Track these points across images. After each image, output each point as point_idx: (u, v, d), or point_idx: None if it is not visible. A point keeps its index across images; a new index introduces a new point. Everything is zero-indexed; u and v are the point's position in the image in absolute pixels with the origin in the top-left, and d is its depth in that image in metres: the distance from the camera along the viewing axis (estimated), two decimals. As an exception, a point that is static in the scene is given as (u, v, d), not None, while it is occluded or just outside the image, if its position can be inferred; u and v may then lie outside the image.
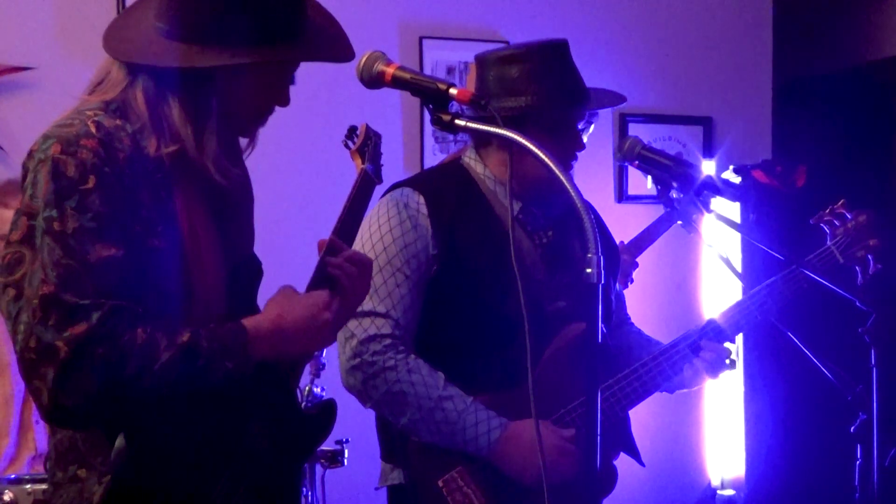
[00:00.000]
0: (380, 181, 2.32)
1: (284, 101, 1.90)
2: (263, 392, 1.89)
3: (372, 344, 2.36)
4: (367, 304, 2.33)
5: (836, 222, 2.67)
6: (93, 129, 1.75)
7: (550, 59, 2.46)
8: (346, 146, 2.35)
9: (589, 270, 1.57)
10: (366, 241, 2.44)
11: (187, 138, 1.79)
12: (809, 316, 2.75)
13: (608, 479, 2.50)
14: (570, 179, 1.62)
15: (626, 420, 2.57)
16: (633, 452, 2.60)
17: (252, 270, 2.02)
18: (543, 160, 1.64)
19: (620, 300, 2.82)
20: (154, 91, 1.79)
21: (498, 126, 1.70)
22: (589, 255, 1.57)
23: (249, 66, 1.80)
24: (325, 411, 2.04)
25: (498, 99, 2.42)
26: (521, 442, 2.36)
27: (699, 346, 2.54)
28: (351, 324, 2.36)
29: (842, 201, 2.69)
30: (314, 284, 1.94)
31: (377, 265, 2.37)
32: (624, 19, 4.69)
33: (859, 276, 2.63)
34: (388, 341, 2.37)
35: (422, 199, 2.45)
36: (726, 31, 4.90)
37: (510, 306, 2.29)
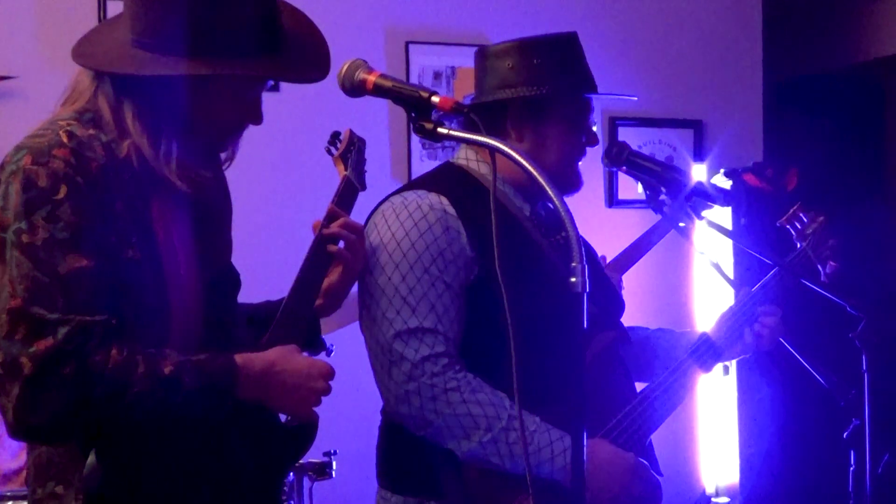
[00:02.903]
0: (363, 188, 2.30)
1: (255, 118, 1.89)
2: (245, 405, 1.87)
3: (427, 365, 2.18)
4: (410, 321, 2.20)
5: (798, 224, 2.71)
6: (65, 139, 1.74)
7: (570, 50, 2.46)
8: (329, 152, 2.33)
9: (573, 280, 1.55)
10: (392, 251, 2.25)
11: (143, 146, 1.78)
12: (801, 321, 2.76)
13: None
14: (555, 188, 1.62)
15: (650, 447, 2.48)
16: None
17: (230, 282, 2.01)
18: (525, 167, 1.64)
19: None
20: (113, 98, 1.79)
21: (480, 133, 1.69)
22: (573, 265, 1.56)
23: (209, 78, 1.79)
24: (307, 424, 2.03)
25: (515, 88, 2.38)
26: (597, 461, 2.21)
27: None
28: (397, 345, 2.20)
29: (797, 204, 2.73)
30: (312, 259, 1.97)
31: (413, 276, 2.23)
32: (612, 22, 4.70)
33: (822, 274, 2.66)
34: (444, 361, 2.19)
35: (445, 200, 2.29)
36: (716, 32, 4.91)
37: (549, 313, 2.18)
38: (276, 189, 4.12)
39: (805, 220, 2.70)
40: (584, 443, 1.61)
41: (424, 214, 2.27)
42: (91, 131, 1.78)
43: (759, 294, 2.57)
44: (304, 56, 1.89)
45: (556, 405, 2.24)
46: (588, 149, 2.49)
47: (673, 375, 2.44)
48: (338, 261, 2.13)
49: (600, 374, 2.35)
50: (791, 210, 2.72)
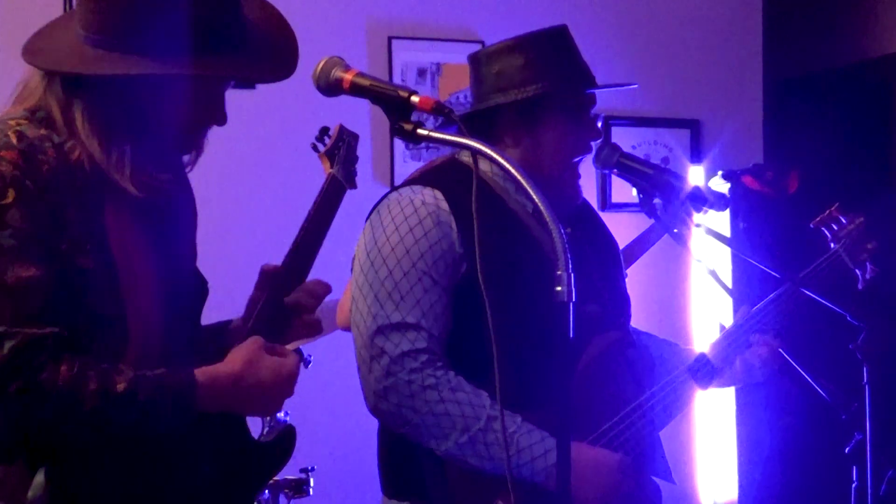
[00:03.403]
0: (352, 186, 2.28)
1: (218, 119, 1.87)
2: (211, 421, 1.87)
3: (407, 361, 2.22)
4: (393, 315, 2.25)
5: (835, 226, 2.68)
6: (13, 140, 1.72)
7: (557, 45, 2.46)
8: (315, 149, 2.31)
9: (559, 289, 1.56)
10: (381, 245, 2.31)
11: (94, 150, 1.76)
12: (801, 331, 2.76)
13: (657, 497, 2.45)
14: (538, 190, 1.62)
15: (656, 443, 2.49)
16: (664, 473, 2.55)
17: (194, 290, 2.00)
18: (508, 170, 1.64)
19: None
20: (63, 98, 1.78)
21: (463, 136, 1.70)
22: (559, 273, 1.56)
23: (163, 78, 1.77)
24: (283, 439, 2.02)
25: (505, 93, 2.39)
26: (581, 464, 2.23)
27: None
28: (377, 340, 2.24)
29: (836, 205, 2.70)
30: (263, 319, 1.95)
31: (400, 270, 2.27)
32: (605, 15, 4.71)
33: (860, 280, 2.63)
34: (424, 357, 2.23)
35: (439, 194, 2.33)
36: (714, 28, 4.92)
37: (543, 312, 2.23)
38: (252, 191, 4.12)
39: (844, 221, 2.68)
40: (569, 451, 1.62)
41: (416, 209, 2.32)
42: (43, 131, 1.76)
43: (756, 317, 2.53)
44: (268, 52, 1.87)
45: (546, 407, 2.26)
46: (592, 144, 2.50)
47: (670, 386, 2.45)
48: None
49: (598, 377, 2.36)
50: (827, 211, 2.70)
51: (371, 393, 2.27)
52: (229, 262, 3.56)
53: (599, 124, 2.51)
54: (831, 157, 4.61)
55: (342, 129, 2.33)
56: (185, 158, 1.96)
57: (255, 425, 2.59)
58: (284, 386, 1.88)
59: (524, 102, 2.39)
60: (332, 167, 2.25)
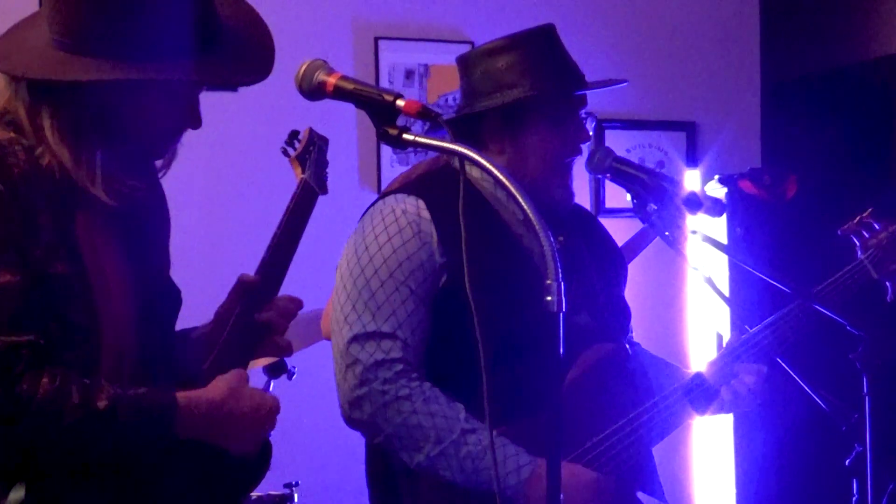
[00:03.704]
0: (323, 191, 2.30)
1: (192, 122, 1.87)
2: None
3: (381, 370, 2.26)
4: (369, 325, 2.29)
5: (866, 233, 2.63)
6: None
7: (541, 45, 2.46)
8: (285, 153, 2.32)
9: (549, 298, 1.56)
10: (361, 254, 2.36)
11: (63, 156, 1.76)
12: (799, 340, 2.77)
13: None
14: (527, 197, 1.63)
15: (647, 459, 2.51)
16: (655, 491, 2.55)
17: (168, 299, 2.00)
18: (496, 175, 1.65)
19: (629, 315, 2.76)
20: (30, 104, 1.77)
21: (451, 141, 1.71)
22: (548, 282, 1.57)
23: (133, 83, 1.76)
24: (260, 452, 2.03)
25: (488, 97, 2.41)
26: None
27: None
28: (353, 348, 2.29)
29: (869, 210, 2.65)
30: (236, 333, 1.95)
31: (377, 279, 2.32)
32: (598, 15, 4.72)
33: (889, 292, 2.60)
34: (399, 367, 2.27)
35: (421, 203, 2.37)
36: (711, 28, 4.94)
37: (528, 323, 2.23)
38: (232, 195, 4.12)
39: (877, 227, 2.62)
40: (560, 466, 1.63)
41: (396, 219, 2.36)
42: (12, 134, 1.76)
43: (756, 337, 2.51)
44: (243, 53, 1.87)
45: (528, 421, 2.28)
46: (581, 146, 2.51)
47: (663, 403, 2.45)
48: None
49: (586, 392, 2.37)
50: (857, 217, 2.64)
51: (345, 402, 2.31)
52: (203, 270, 3.56)
53: (591, 125, 2.52)
54: (831, 160, 4.62)
55: (312, 132, 2.35)
56: (158, 163, 1.96)
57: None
58: (264, 421, 1.89)
59: (508, 107, 2.40)
60: (303, 172, 2.25)
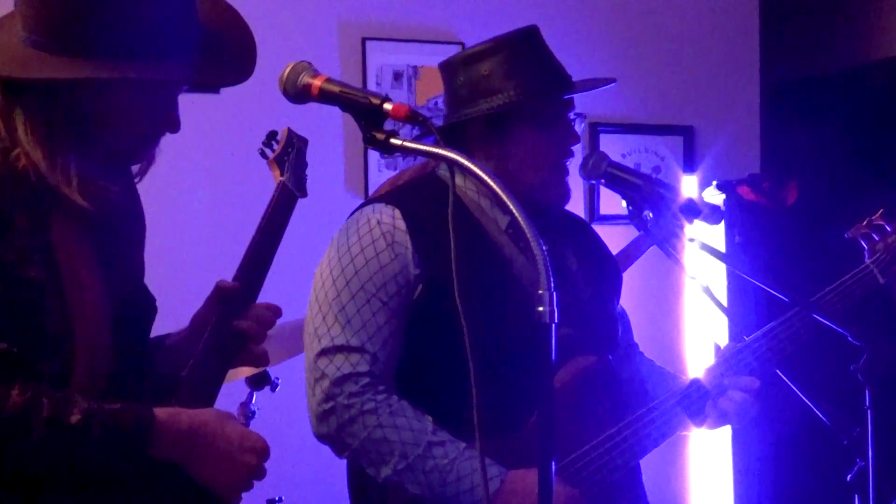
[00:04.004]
0: (303, 194, 2.29)
1: (170, 126, 1.87)
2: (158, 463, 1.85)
3: (347, 384, 2.30)
4: (338, 338, 2.32)
5: (875, 236, 2.61)
6: None
7: (524, 48, 2.47)
8: (263, 155, 2.31)
9: (540, 309, 1.57)
10: (333, 266, 2.39)
11: (37, 158, 1.75)
12: (799, 351, 2.77)
13: None
14: (518, 204, 1.63)
15: (634, 473, 2.52)
16: None
17: (142, 307, 2.00)
18: (486, 182, 1.65)
19: (625, 325, 2.77)
20: (3, 104, 1.77)
21: (439, 146, 1.71)
22: (540, 292, 1.57)
23: (109, 83, 1.77)
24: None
25: (472, 104, 2.43)
26: (524, 494, 2.27)
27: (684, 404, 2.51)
28: (321, 362, 2.32)
29: (880, 211, 2.64)
30: (212, 341, 1.94)
31: (348, 292, 2.35)
32: (591, 15, 4.73)
33: None
34: (365, 380, 2.31)
35: (398, 213, 2.39)
36: (709, 29, 4.95)
37: (509, 334, 2.28)
38: (213, 199, 4.11)
39: (889, 229, 2.60)
40: (552, 479, 1.63)
41: (370, 229, 2.39)
42: None
43: (753, 345, 2.51)
44: (223, 55, 1.87)
45: (508, 435, 2.31)
46: (572, 149, 2.52)
47: (654, 413, 2.45)
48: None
49: (566, 405, 2.39)
50: (867, 219, 2.63)
51: (313, 416, 2.35)
52: (181, 274, 3.55)
53: (581, 126, 2.53)
54: (833, 166, 4.63)
55: (290, 133, 2.33)
56: (135, 168, 1.96)
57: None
58: (250, 453, 1.85)
59: (493, 113, 2.41)
60: (281, 175, 2.24)
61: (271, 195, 2.22)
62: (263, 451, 1.88)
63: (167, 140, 1.94)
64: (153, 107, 1.84)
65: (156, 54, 1.76)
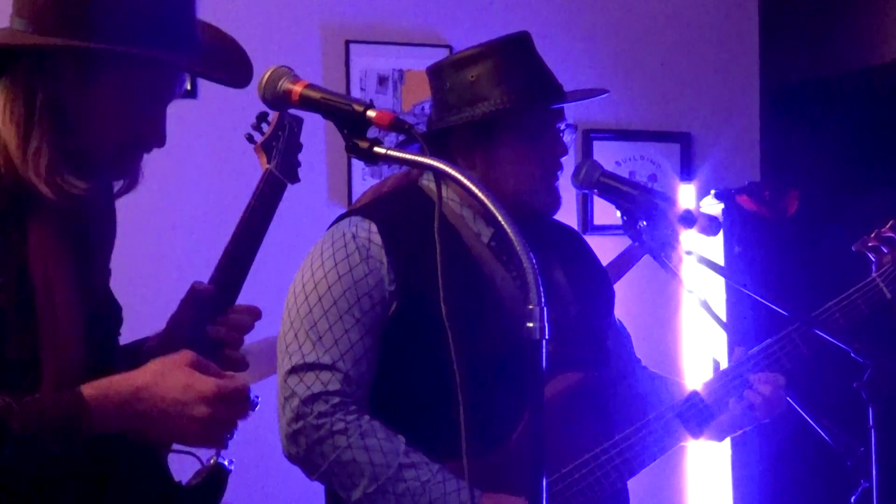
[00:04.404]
0: (292, 180, 2.26)
1: (156, 136, 1.87)
2: (124, 463, 1.85)
3: (317, 404, 2.31)
4: (309, 355, 2.33)
5: (884, 248, 2.60)
6: None
7: (513, 55, 2.48)
8: (250, 140, 2.27)
9: (530, 325, 1.57)
10: (307, 280, 2.41)
11: (9, 138, 1.77)
12: (801, 367, 2.77)
13: None
14: (507, 216, 1.63)
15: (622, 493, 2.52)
16: None
17: (111, 318, 1.99)
18: (474, 192, 1.66)
19: (623, 340, 2.77)
20: None
21: (425, 155, 1.71)
22: (530, 307, 1.58)
23: (101, 65, 1.77)
24: (211, 481, 2.01)
25: (457, 111, 2.44)
26: None
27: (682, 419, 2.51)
28: (291, 380, 2.33)
29: (890, 223, 2.62)
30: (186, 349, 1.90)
31: (321, 308, 2.36)
32: (584, 18, 4.73)
33: None
34: (336, 399, 2.32)
35: (374, 227, 2.41)
36: (706, 32, 4.96)
37: (484, 353, 2.29)
38: (192, 205, 4.11)
39: None
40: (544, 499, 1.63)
41: (345, 244, 2.40)
42: None
43: (754, 359, 2.52)
44: (222, 57, 1.90)
45: (488, 454, 2.31)
46: (561, 161, 2.52)
47: (648, 429, 2.46)
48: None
49: (552, 421, 2.38)
50: (875, 231, 2.61)
51: (283, 437, 2.36)
52: (159, 274, 3.55)
53: (571, 137, 2.54)
54: (835, 173, 4.64)
55: (283, 115, 2.29)
56: (117, 185, 1.96)
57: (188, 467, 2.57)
58: (197, 409, 1.75)
59: (478, 121, 2.42)
60: (268, 161, 2.21)
61: (256, 185, 2.18)
62: (216, 398, 1.76)
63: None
64: (139, 110, 1.84)
65: (156, 42, 1.77)
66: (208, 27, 1.94)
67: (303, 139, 2.44)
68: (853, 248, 2.64)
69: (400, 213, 2.44)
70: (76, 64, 1.79)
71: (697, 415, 2.49)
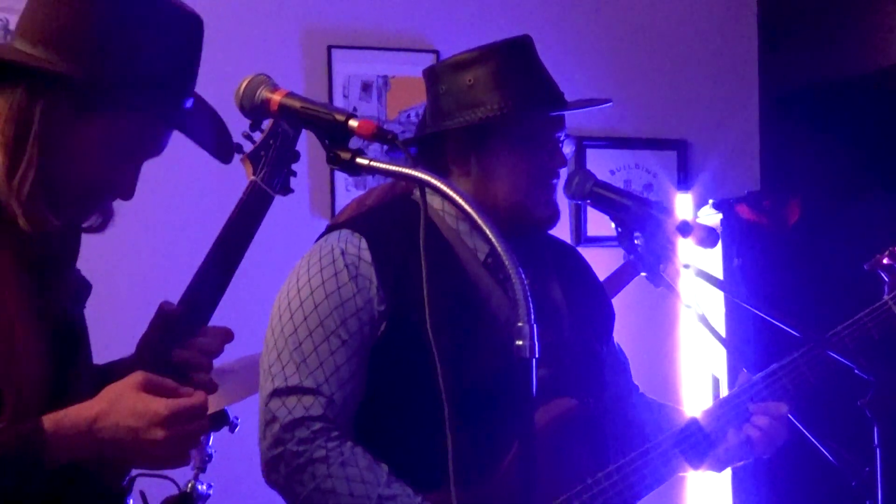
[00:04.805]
0: (281, 192, 2.22)
1: (125, 189, 1.91)
2: (81, 497, 1.85)
3: (298, 430, 2.29)
4: (291, 378, 2.31)
5: None
6: None
7: (513, 59, 2.48)
8: (238, 150, 2.24)
9: (519, 343, 1.57)
10: (292, 298, 2.38)
11: None
12: (807, 393, 2.76)
13: None
14: (496, 230, 1.63)
15: None
16: None
17: (76, 340, 1.98)
18: (460, 204, 1.66)
19: (620, 365, 2.76)
20: None
21: (410, 165, 1.72)
22: (519, 325, 1.58)
23: (98, 108, 1.80)
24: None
25: (452, 116, 2.44)
26: None
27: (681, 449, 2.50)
28: (272, 404, 2.32)
29: None
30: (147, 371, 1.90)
31: (305, 328, 2.34)
32: (577, 23, 4.74)
33: None
34: (318, 425, 2.30)
35: (364, 243, 2.38)
36: (704, 37, 4.97)
37: (476, 377, 2.28)
38: (169, 215, 4.11)
39: None
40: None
41: (333, 260, 2.38)
42: None
43: (759, 385, 2.50)
44: (210, 123, 1.94)
45: (477, 483, 2.30)
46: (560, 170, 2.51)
47: (644, 458, 2.45)
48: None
49: (543, 449, 2.35)
50: (889, 249, 2.59)
51: (262, 463, 2.34)
52: (136, 290, 3.54)
53: (570, 149, 2.53)
54: (838, 182, 4.65)
55: (277, 122, 2.23)
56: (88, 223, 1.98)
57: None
58: (155, 426, 1.78)
59: (472, 128, 2.42)
60: (254, 172, 2.17)
61: (240, 197, 2.17)
62: (169, 418, 1.78)
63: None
64: (121, 156, 1.87)
65: (160, 96, 1.81)
66: (197, 96, 1.97)
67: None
68: (865, 268, 2.63)
69: (391, 227, 2.42)
70: (77, 96, 1.80)
71: (696, 444, 2.47)
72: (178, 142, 3.79)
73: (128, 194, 1.90)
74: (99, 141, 1.83)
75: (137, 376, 1.82)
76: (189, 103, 1.89)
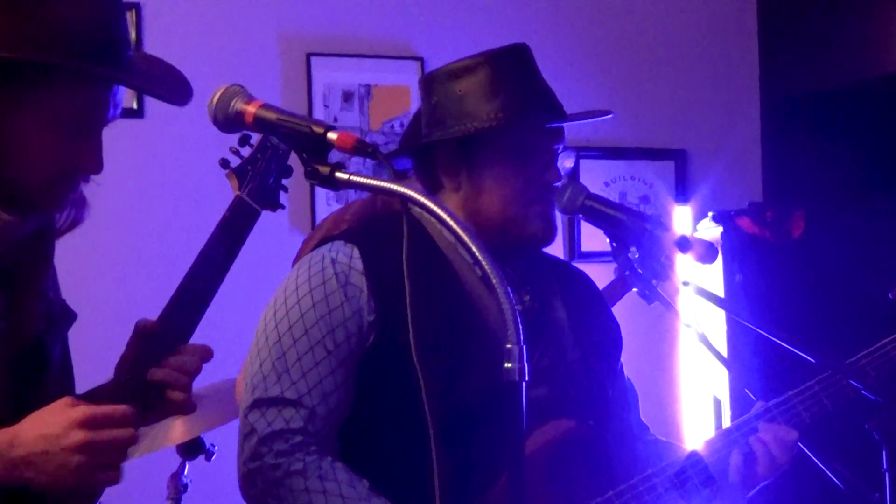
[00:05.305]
0: (269, 207, 2.19)
1: (91, 163, 1.88)
2: None
3: (276, 442, 2.30)
4: (273, 389, 2.33)
5: None
6: None
7: (507, 69, 2.48)
8: (224, 165, 2.23)
9: (508, 365, 1.57)
10: (278, 307, 2.40)
11: None
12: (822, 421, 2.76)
13: None
14: (483, 248, 1.63)
15: None
16: None
17: (37, 360, 1.98)
18: (444, 220, 1.66)
19: (629, 402, 2.76)
20: None
21: (392, 180, 1.72)
22: (508, 346, 1.58)
23: (28, 87, 1.78)
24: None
25: (442, 126, 2.45)
26: None
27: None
28: (252, 415, 2.33)
29: None
30: (127, 394, 1.91)
31: (290, 337, 2.36)
32: (572, 29, 4.75)
33: None
34: (297, 439, 2.31)
35: (356, 252, 2.41)
36: (703, 43, 4.98)
37: (467, 396, 2.29)
38: (137, 228, 4.11)
39: None
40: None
41: (322, 269, 2.40)
42: None
43: (772, 412, 2.50)
44: (157, 76, 1.90)
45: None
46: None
47: (640, 488, 2.45)
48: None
49: (541, 472, 2.39)
50: None
51: (240, 476, 2.35)
52: (110, 308, 3.54)
53: (570, 163, 2.54)
54: (844, 192, 4.66)
55: (266, 135, 2.25)
56: (59, 221, 1.96)
57: None
58: (67, 435, 1.77)
59: (461, 140, 2.42)
60: (240, 187, 2.15)
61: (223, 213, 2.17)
62: (87, 422, 1.78)
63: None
64: (71, 134, 1.84)
65: (87, 55, 1.78)
66: (144, 55, 1.95)
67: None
68: (890, 296, 2.63)
69: (385, 239, 2.41)
70: (6, 80, 1.78)
71: (696, 477, 2.47)
72: (166, 157, 3.81)
73: (96, 168, 1.89)
74: (41, 123, 1.82)
75: (66, 398, 1.82)
76: (128, 55, 1.86)
